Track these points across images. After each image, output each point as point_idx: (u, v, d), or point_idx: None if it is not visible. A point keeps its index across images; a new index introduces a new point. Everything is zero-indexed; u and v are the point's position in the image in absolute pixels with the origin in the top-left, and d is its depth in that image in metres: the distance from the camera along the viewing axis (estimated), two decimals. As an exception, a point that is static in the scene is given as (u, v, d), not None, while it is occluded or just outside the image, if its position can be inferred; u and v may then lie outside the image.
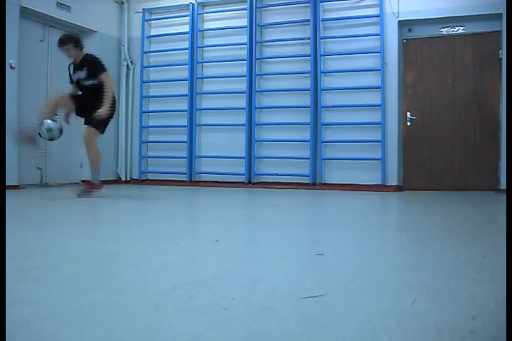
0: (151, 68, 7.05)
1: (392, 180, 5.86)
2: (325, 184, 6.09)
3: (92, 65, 4.48)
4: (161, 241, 2.29)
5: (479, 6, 5.50)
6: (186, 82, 6.69)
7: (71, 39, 4.52)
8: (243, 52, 6.42)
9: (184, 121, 6.71)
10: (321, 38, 6.11)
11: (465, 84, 5.79)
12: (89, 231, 2.60)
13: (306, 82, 6.15)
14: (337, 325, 1.11)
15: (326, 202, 4.72)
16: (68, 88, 4.78)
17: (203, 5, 6.79)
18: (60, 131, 4.41)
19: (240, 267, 1.76)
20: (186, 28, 6.74)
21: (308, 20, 6.15)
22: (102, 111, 4.33)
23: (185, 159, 6.71)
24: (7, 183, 5.01)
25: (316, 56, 6.11)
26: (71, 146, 6.60)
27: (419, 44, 5.98)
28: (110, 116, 4.54)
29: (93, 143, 4.52)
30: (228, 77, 6.56)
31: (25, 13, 5.66)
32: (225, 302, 1.27)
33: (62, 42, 4.47)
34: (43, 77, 6.14)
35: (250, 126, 6.38)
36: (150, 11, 7.01)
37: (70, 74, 4.62)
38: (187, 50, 6.70)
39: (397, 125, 5.88)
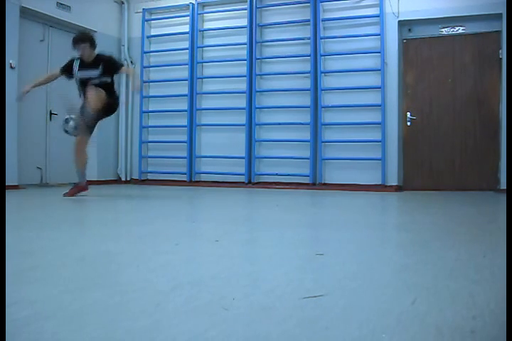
0: (151, 68, 7.05)
1: (392, 180, 5.86)
2: (325, 184, 6.09)
3: (110, 63, 4.60)
4: (161, 241, 2.29)
5: (479, 6, 5.50)
6: (186, 82, 6.69)
7: (89, 38, 4.57)
8: (243, 52, 6.42)
9: (184, 121, 6.71)
10: (321, 38, 6.11)
11: (465, 84, 5.79)
12: (89, 231, 2.60)
13: (306, 82, 6.15)
14: (337, 325, 1.11)
15: (326, 202, 4.71)
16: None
17: (203, 5, 6.79)
18: (76, 128, 4.52)
19: (240, 267, 1.76)
20: (186, 28, 6.74)
21: (308, 20, 6.15)
22: (137, 83, 4.88)
23: (185, 159, 6.71)
24: (7, 183, 5.01)
25: (316, 56, 6.11)
26: (71, 146, 6.60)
27: (419, 44, 5.98)
28: (114, 108, 4.76)
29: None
30: (228, 77, 6.56)
31: (25, 13, 5.66)
32: (225, 302, 1.27)
33: (81, 40, 4.51)
34: (43, 77, 6.14)
35: (250, 126, 6.38)
36: (150, 11, 7.02)
37: (72, 68, 4.56)
38: (187, 50, 6.70)
39: (397, 125, 5.88)
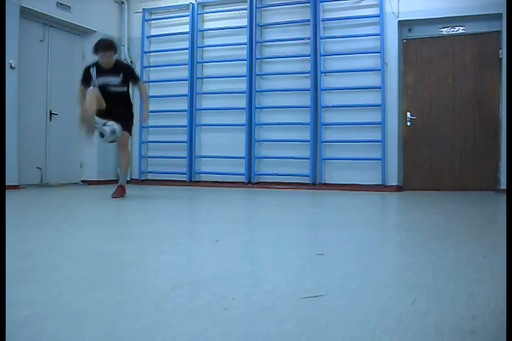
0: (151, 68, 7.05)
1: (392, 180, 5.86)
2: (325, 184, 6.09)
3: (130, 73, 4.63)
4: (161, 241, 2.29)
5: (479, 6, 5.50)
6: (186, 82, 6.69)
7: (116, 46, 4.62)
8: (243, 52, 6.42)
9: (184, 121, 6.71)
10: (321, 38, 6.11)
11: (465, 84, 5.79)
12: (90, 231, 2.60)
13: (306, 82, 6.15)
14: (337, 325, 1.11)
15: (326, 202, 4.72)
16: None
17: (203, 5, 6.79)
18: (114, 132, 4.46)
19: (239, 267, 1.76)
20: (186, 28, 6.74)
21: (308, 20, 6.15)
22: (146, 116, 4.89)
23: (185, 159, 6.71)
24: (7, 183, 5.01)
25: (316, 56, 6.11)
26: (71, 146, 6.61)
27: (419, 44, 5.98)
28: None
29: (128, 147, 4.79)
30: (228, 77, 6.56)
31: (25, 13, 5.66)
32: (225, 302, 1.27)
33: (111, 47, 4.48)
34: (43, 77, 6.15)
35: (250, 126, 6.39)
36: (150, 11, 7.02)
37: (91, 77, 4.48)
38: (187, 50, 6.70)
39: (397, 125, 5.88)
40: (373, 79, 5.89)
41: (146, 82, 6.95)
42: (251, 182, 6.39)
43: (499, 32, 5.53)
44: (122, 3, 7.10)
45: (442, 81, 5.87)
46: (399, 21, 5.85)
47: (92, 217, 3.47)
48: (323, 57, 6.12)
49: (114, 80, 4.48)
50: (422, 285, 1.45)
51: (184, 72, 6.73)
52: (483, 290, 1.40)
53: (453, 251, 2.03)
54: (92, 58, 6.60)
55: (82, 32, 6.64)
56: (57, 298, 1.31)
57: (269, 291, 1.38)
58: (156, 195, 5.39)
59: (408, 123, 6.00)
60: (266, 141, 6.40)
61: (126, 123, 4.60)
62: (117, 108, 4.50)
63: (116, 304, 1.26)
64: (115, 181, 6.98)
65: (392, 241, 2.43)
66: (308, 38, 6.15)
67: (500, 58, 5.54)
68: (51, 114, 6.24)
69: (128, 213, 3.72)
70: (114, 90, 4.50)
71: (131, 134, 4.79)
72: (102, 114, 4.45)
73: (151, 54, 7.05)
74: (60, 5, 6.07)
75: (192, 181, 6.68)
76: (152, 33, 7.06)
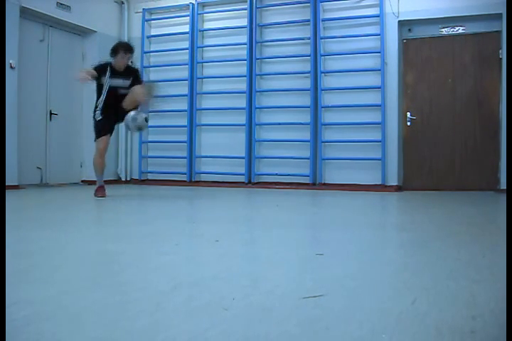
0: (151, 68, 7.05)
1: (392, 180, 5.86)
2: (325, 184, 6.09)
3: (138, 77, 4.71)
4: (161, 241, 2.29)
5: (479, 6, 5.50)
6: (186, 82, 6.69)
7: (134, 49, 4.71)
8: (243, 52, 6.42)
9: (184, 121, 6.71)
10: (321, 38, 6.11)
11: (465, 84, 5.79)
12: (90, 231, 2.60)
13: (306, 82, 6.15)
14: (337, 325, 1.11)
15: (326, 202, 4.72)
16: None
17: (203, 5, 6.79)
18: (146, 120, 4.52)
19: (239, 267, 1.76)
20: (186, 28, 6.74)
21: (308, 20, 6.15)
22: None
23: (185, 159, 6.71)
24: (7, 183, 5.01)
25: (316, 56, 6.11)
26: (71, 146, 6.61)
27: (419, 44, 5.98)
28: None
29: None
30: (228, 77, 6.56)
31: (25, 13, 5.66)
32: (225, 302, 1.27)
33: (132, 50, 4.63)
34: (43, 77, 6.15)
35: (250, 126, 6.39)
36: (150, 11, 7.01)
37: (106, 72, 4.49)
38: (187, 50, 6.70)
39: (397, 125, 5.88)
40: (373, 79, 5.89)
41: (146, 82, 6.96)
42: (251, 182, 6.39)
43: (499, 32, 5.53)
44: (122, 3, 7.10)
45: (442, 81, 5.87)
46: (399, 21, 5.85)
47: (92, 217, 3.47)
48: (323, 57, 6.12)
49: (124, 83, 4.56)
50: (421, 285, 1.45)
51: (184, 72, 6.73)
52: (483, 290, 1.40)
53: (453, 251, 2.03)
54: (91, 58, 6.63)
55: (82, 32, 6.64)
56: (57, 298, 1.30)
57: (269, 291, 1.38)
58: (156, 195, 5.39)
59: (408, 123, 6.00)
60: (266, 141, 6.40)
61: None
62: (123, 110, 4.55)
63: (116, 304, 1.26)
64: (115, 181, 7.00)
65: (392, 241, 2.43)
66: (308, 38, 6.15)
67: (500, 58, 5.54)
68: (51, 114, 6.23)
69: (128, 213, 3.72)
70: (123, 93, 4.54)
71: None
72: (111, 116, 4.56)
73: (151, 54, 7.05)
74: (60, 5, 6.07)
75: (192, 181, 6.68)
76: (152, 33, 7.06)
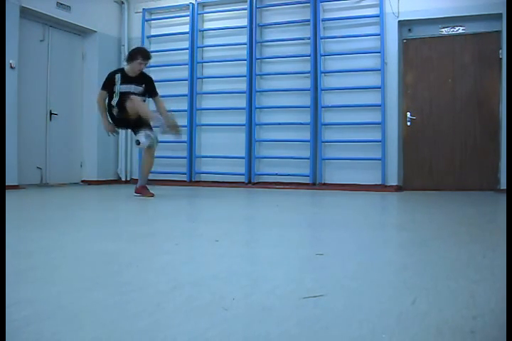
0: (151, 68, 7.03)
1: (392, 180, 5.86)
2: (325, 184, 6.09)
3: (152, 86, 4.75)
4: (161, 241, 2.29)
5: (479, 6, 5.50)
6: (186, 82, 6.69)
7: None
8: (243, 52, 6.42)
9: (184, 121, 6.70)
10: (321, 38, 6.11)
11: (465, 84, 5.79)
12: (89, 231, 2.60)
13: (306, 82, 6.15)
14: (337, 325, 1.11)
15: (326, 202, 4.71)
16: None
17: (203, 5, 6.79)
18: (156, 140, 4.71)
19: (240, 267, 1.75)
20: (186, 28, 6.74)
21: (308, 20, 6.15)
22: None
23: (186, 159, 6.71)
24: (7, 183, 5.01)
25: (316, 56, 6.11)
26: (71, 146, 6.61)
27: (419, 44, 5.98)
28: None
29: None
30: (228, 77, 6.56)
31: (25, 13, 5.66)
32: (225, 302, 1.27)
33: (150, 57, 4.73)
34: (43, 77, 6.15)
35: (250, 126, 6.39)
36: (150, 11, 7.01)
37: (115, 83, 4.52)
38: (187, 50, 6.70)
39: (397, 125, 5.88)
40: (373, 79, 5.89)
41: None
42: (251, 182, 6.39)
43: (499, 32, 5.53)
44: (122, 3, 7.10)
45: (442, 81, 5.87)
46: (399, 21, 5.85)
47: (92, 216, 3.47)
48: (323, 57, 6.12)
49: (137, 89, 4.57)
50: (422, 285, 1.45)
51: (184, 72, 6.73)
52: (483, 290, 1.40)
53: (453, 251, 2.03)
54: (91, 58, 6.64)
55: (82, 32, 6.64)
56: (57, 298, 1.30)
57: (269, 291, 1.38)
58: (156, 194, 5.39)
59: (408, 123, 6.00)
60: (266, 141, 6.40)
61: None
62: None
63: (116, 304, 1.26)
64: (115, 181, 7.00)
65: (392, 241, 2.43)
66: (308, 38, 6.15)
67: (500, 58, 5.54)
68: (51, 114, 6.24)
69: (128, 213, 3.72)
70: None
71: None
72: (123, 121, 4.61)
73: (151, 54, 7.03)
74: (60, 5, 6.07)
75: (192, 181, 6.68)
76: (152, 33, 7.06)
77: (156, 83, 6.91)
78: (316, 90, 6.10)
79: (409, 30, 6.00)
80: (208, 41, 6.81)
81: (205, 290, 1.39)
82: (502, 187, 5.35)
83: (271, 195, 5.22)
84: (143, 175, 4.84)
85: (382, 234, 2.66)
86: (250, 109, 6.38)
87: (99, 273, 1.67)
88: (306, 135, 6.13)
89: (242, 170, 6.42)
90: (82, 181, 6.69)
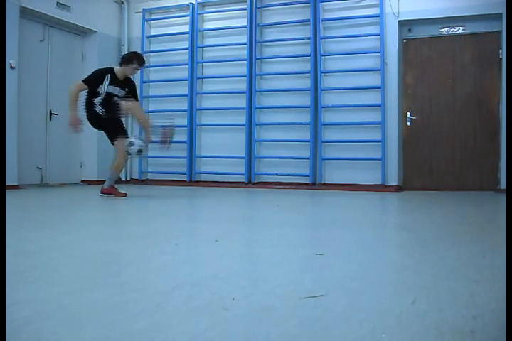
0: (151, 68, 7.04)
1: (392, 180, 5.86)
2: (325, 184, 6.09)
3: (134, 91, 4.79)
4: (161, 241, 2.29)
5: (479, 6, 5.50)
6: (186, 82, 6.69)
7: None
8: (243, 52, 6.42)
9: (184, 121, 6.70)
10: (321, 38, 6.11)
11: (465, 84, 5.79)
12: (89, 231, 2.60)
13: (306, 82, 6.15)
14: (337, 325, 1.11)
15: (326, 202, 4.71)
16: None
17: (203, 5, 6.79)
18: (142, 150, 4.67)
19: (240, 267, 1.76)
20: (186, 28, 6.74)
21: (308, 20, 6.15)
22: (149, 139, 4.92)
23: (185, 159, 6.71)
24: (7, 183, 5.01)
25: (316, 56, 6.11)
26: (71, 146, 6.61)
27: (419, 44, 5.98)
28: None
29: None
30: (228, 77, 6.56)
31: (25, 13, 5.66)
32: (225, 302, 1.27)
33: (145, 65, 4.87)
34: (43, 77, 6.15)
35: (250, 126, 6.39)
36: (150, 11, 7.02)
37: (102, 81, 4.48)
38: (187, 50, 6.70)
39: (397, 125, 5.88)
40: (373, 79, 5.89)
41: (145, 82, 6.96)
42: (251, 182, 6.39)
43: (499, 32, 5.53)
44: (122, 3, 7.10)
45: (442, 81, 5.87)
46: (399, 21, 5.85)
47: (92, 217, 3.47)
48: (323, 57, 6.12)
49: (121, 92, 4.57)
50: (422, 285, 1.45)
51: (184, 72, 6.73)
52: (484, 290, 1.40)
53: (453, 251, 2.03)
54: (91, 58, 6.63)
55: (82, 32, 6.64)
56: (57, 298, 1.30)
57: (269, 291, 1.38)
58: (156, 194, 5.39)
59: (408, 123, 6.00)
60: (266, 141, 6.40)
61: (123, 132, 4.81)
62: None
63: (116, 304, 1.26)
64: (115, 181, 6.98)
65: (392, 241, 2.43)
66: (308, 38, 6.15)
67: (500, 58, 5.54)
68: (51, 114, 6.23)
69: (128, 213, 3.72)
70: (115, 100, 4.53)
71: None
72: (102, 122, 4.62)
73: (151, 54, 7.05)
74: (60, 5, 6.07)
75: (192, 181, 6.68)
76: (152, 33, 7.06)
77: (156, 83, 7.00)
78: (316, 90, 6.10)
79: (409, 30, 6.00)
80: (207, 41, 6.81)
81: (205, 290, 1.39)
82: (502, 187, 5.35)
83: (271, 195, 5.22)
84: (114, 175, 4.77)
85: (382, 234, 2.66)
86: (250, 109, 6.38)
87: (99, 273, 1.67)
88: (306, 135, 6.13)
89: (242, 170, 6.42)
90: (82, 181, 6.69)
